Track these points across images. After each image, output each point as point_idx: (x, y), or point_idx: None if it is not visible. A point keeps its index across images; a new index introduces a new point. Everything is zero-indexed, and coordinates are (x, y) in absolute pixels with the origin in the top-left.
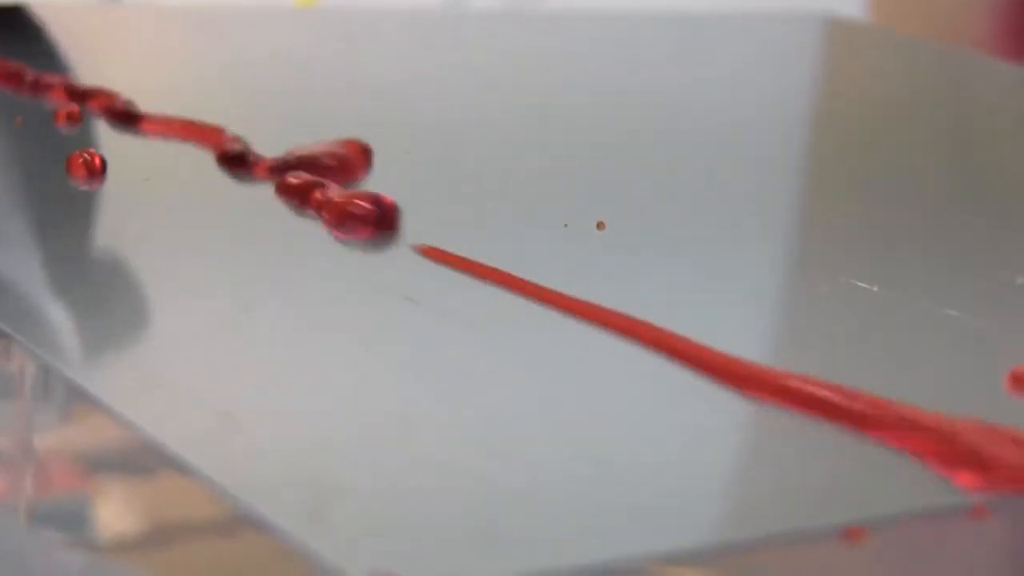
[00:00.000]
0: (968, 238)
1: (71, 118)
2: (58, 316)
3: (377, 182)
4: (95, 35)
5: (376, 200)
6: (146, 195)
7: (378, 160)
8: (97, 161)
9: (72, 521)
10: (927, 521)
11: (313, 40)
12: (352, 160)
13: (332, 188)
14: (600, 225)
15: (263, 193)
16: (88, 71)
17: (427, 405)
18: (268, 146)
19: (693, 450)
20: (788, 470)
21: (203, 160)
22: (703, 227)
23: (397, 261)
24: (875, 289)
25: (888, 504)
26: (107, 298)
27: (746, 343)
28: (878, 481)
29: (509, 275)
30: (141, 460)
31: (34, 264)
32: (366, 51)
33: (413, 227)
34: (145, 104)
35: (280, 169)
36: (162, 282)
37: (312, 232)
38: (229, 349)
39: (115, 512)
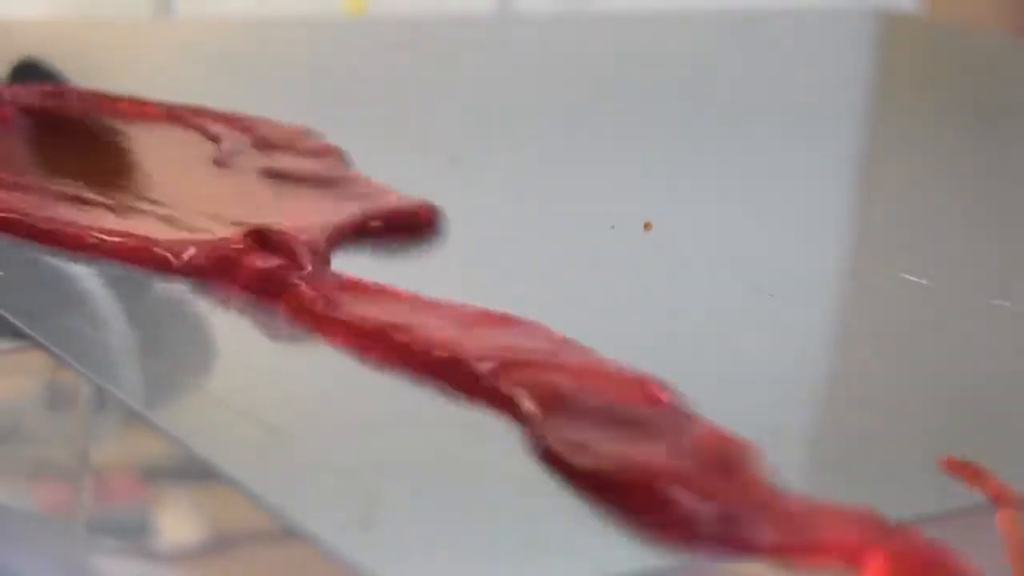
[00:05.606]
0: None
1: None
2: (113, 339)
3: (427, 188)
4: (148, 49)
5: None
6: None
7: (428, 167)
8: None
9: (128, 530)
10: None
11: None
12: None
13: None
14: (647, 226)
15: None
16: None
17: (470, 414)
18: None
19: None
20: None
21: None
22: (755, 222)
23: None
24: (924, 283)
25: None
26: (161, 320)
27: (798, 338)
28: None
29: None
30: (193, 472)
31: (81, 285)
32: (415, 60)
33: (459, 229)
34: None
35: None
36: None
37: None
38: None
39: (169, 522)
